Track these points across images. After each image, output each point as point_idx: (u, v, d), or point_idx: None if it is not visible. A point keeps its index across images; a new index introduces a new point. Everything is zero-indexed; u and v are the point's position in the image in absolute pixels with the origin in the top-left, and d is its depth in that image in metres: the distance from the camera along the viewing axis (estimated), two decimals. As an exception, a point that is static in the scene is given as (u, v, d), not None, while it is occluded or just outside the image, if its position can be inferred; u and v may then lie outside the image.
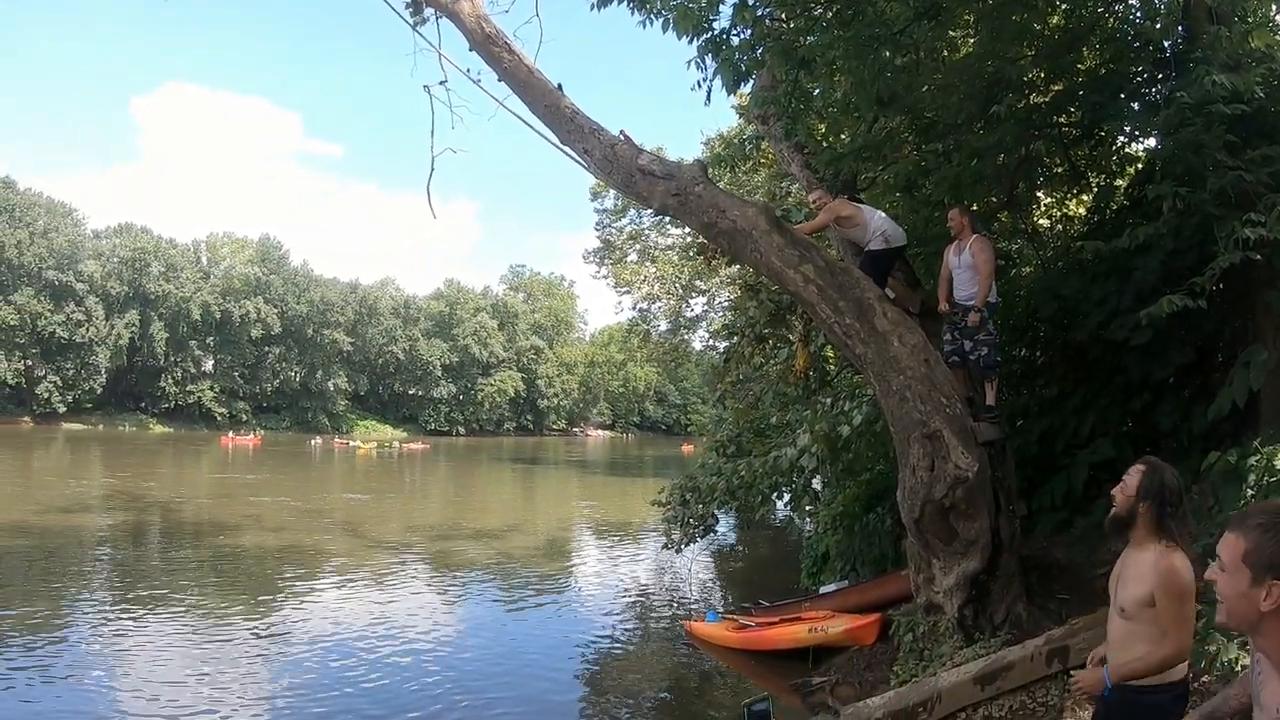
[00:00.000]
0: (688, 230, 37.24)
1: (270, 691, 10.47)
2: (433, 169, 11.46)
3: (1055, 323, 11.08)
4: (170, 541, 22.13)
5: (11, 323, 72.62)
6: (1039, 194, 13.56)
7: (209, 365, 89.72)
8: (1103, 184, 12.38)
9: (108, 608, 14.28)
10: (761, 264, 8.89)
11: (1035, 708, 7.07)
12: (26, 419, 75.06)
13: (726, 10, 9.05)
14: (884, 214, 9.68)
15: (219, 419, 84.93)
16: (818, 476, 14.22)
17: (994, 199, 11.96)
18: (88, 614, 13.83)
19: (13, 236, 74.12)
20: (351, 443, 72.33)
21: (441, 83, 11.92)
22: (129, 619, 13.51)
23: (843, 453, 12.39)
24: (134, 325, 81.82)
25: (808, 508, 17.42)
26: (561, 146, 10.20)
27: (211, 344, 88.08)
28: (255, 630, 13.28)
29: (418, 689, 10.80)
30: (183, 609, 14.43)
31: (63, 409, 76.90)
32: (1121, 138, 11.22)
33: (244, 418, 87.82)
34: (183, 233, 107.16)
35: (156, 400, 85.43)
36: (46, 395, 75.91)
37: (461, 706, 10.25)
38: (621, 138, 9.71)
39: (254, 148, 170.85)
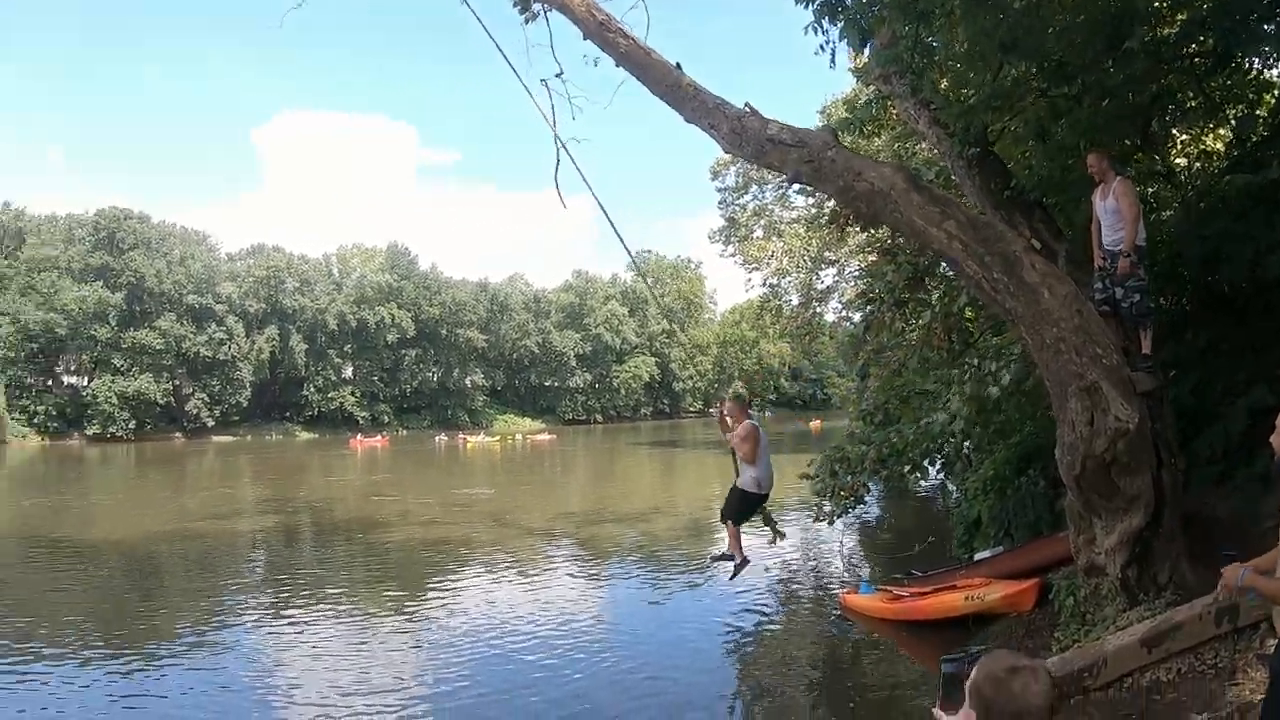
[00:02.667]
0: (812, 202, 36.00)
1: (429, 680, 10.73)
2: (559, 160, 11.38)
3: (1202, 265, 10.53)
4: (320, 541, 23.03)
5: (158, 346, 75.08)
6: (1174, 131, 12.86)
7: (349, 371, 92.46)
8: (1241, 114, 11.74)
9: (265, 609, 14.82)
10: (902, 224, 8.76)
11: (1204, 670, 6.80)
12: (178, 435, 77.33)
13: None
14: None
15: (361, 422, 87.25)
16: (968, 441, 13.94)
17: (1129, 140, 11.39)
18: (246, 616, 14.35)
19: (151, 266, 77.64)
20: (465, 438, 73.03)
21: (558, 75, 11.76)
22: (286, 619, 13.99)
23: (993, 415, 12.12)
24: (274, 339, 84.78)
25: (959, 473, 17.25)
26: (689, 123, 10.12)
27: (349, 351, 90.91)
28: (410, 623, 13.65)
29: (570, 669, 10.97)
30: (337, 607, 14.86)
31: (211, 423, 79.55)
32: (1257, 63, 10.59)
33: (386, 419, 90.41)
34: (313, 250, 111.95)
35: (300, 409, 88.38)
36: (195, 411, 78.95)
37: (614, 685, 10.39)
38: (747, 110, 9.60)
39: (373, 163, 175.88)
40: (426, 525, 23.93)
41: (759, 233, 42.22)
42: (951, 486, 21.19)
